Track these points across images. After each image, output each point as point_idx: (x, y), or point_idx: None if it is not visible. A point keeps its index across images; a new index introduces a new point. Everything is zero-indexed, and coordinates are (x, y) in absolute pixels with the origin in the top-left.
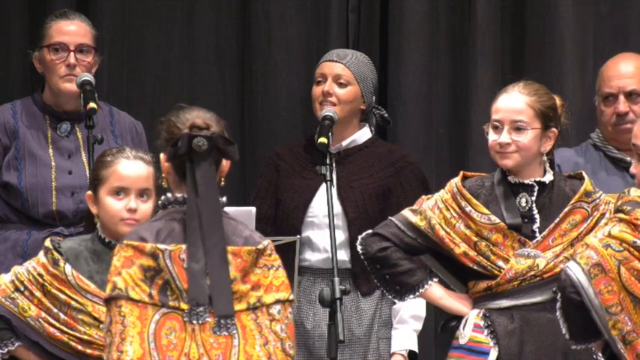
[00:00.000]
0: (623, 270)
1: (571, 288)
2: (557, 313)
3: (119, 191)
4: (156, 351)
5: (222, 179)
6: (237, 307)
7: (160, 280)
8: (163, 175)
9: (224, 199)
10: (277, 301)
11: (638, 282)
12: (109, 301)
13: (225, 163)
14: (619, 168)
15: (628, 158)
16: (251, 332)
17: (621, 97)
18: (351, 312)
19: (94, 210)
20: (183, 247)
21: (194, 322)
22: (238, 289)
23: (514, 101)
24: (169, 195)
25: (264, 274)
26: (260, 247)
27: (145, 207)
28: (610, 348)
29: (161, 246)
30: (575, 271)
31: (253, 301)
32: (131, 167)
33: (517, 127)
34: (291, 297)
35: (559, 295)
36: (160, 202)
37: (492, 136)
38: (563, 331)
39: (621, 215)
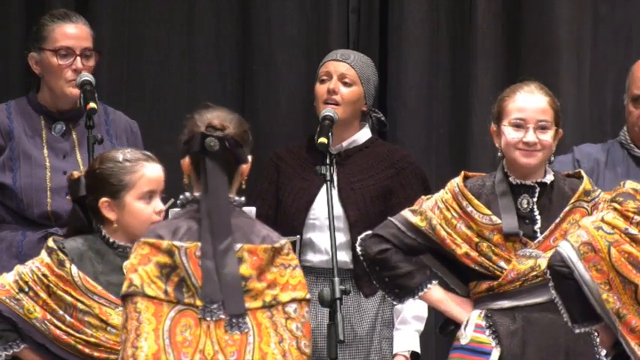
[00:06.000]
0: (613, 251)
1: (560, 262)
2: (553, 295)
3: (149, 195)
4: (171, 347)
5: (243, 182)
6: (253, 304)
7: (175, 277)
8: (184, 172)
9: (242, 198)
10: (293, 300)
11: (628, 263)
12: (125, 298)
13: (245, 166)
14: None
15: None
16: (266, 330)
17: None
18: (353, 312)
19: (112, 216)
20: (199, 244)
21: (208, 319)
22: (254, 287)
23: (539, 101)
24: (187, 194)
25: (281, 273)
26: (277, 245)
27: (163, 207)
28: (619, 346)
29: (177, 243)
30: (565, 248)
31: (269, 299)
32: (156, 170)
33: (542, 127)
34: (308, 296)
35: (549, 272)
36: (179, 201)
37: (514, 134)
38: (562, 312)
39: (615, 205)
